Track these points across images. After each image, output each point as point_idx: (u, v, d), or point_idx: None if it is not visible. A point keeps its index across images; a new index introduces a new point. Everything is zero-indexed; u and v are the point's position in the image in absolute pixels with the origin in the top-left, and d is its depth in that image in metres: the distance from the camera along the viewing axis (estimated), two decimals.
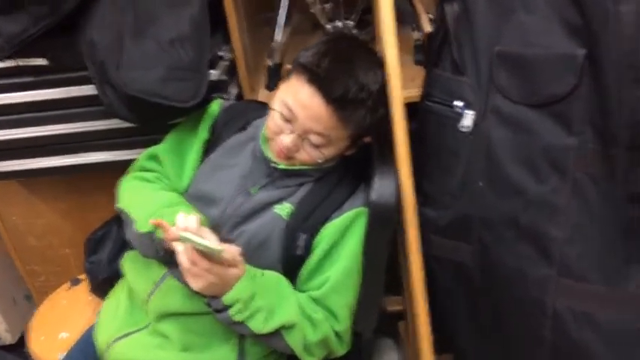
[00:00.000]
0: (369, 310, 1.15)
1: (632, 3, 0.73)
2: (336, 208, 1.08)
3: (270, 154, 1.08)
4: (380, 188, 1.05)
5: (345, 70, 1.01)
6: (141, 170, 1.19)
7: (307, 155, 1.05)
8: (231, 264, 0.93)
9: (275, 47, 1.40)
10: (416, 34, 1.29)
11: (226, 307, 0.96)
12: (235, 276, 0.94)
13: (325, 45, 1.05)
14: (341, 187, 1.11)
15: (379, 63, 1.03)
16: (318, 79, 0.99)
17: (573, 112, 0.83)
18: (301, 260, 1.07)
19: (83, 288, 1.50)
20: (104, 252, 1.33)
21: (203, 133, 1.18)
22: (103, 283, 1.28)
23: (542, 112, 0.87)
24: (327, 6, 1.41)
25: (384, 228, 1.06)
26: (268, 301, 0.98)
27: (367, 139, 1.10)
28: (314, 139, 1.03)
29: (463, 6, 0.94)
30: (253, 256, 1.03)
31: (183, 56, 1.12)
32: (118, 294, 1.18)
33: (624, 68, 0.75)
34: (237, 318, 0.96)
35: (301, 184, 1.10)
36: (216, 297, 0.95)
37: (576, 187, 0.85)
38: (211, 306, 0.98)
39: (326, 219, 1.07)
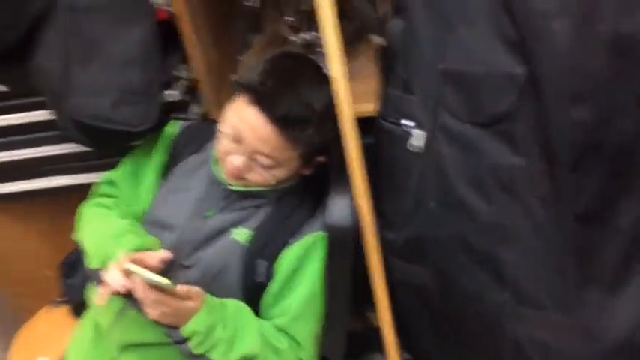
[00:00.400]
0: (335, 334, 1.13)
1: (565, 19, 0.69)
2: (295, 232, 1.06)
3: (224, 176, 1.06)
4: (335, 210, 1.02)
5: (287, 89, 0.98)
6: (100, 196, 1.18)
7: (259, 176, 1.03)
8: (184, 297, 0.91)
9: (241, 61, 1.37)
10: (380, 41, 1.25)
11: (185, 339, 0.94)
12: (192, 308, 0.93)
13: (269, 63, 1.02)
14: (300, 209, 1.09)
15: (327, 79, 1.00)
16: (260, 99, 0.97)
17: (517, 131, 0.79)
18: (262, 287, 1.06)
19: (63, 310, 1.49)
20: (78, 275, 1.32)
21: (159, 155, 1.17)
22: (82, 305, 1.27)
23: (488, 131, 0.83)
24: (292, 18, 1.38)
25: (342, 251, 1.03)
26: (229, 332, 0.97)
27: (322, 159, 1.07)
28: (263, 160, 1.00)
29: (408, 20, 0.90)
30: (212, 283, 1.02)
31: (133, 79, 1.10)
32: (85, 323, 1.17)
33: (560, 86, 0.71)
34: (198, 350, 0.95)
35: (258, 207, 1.08)
36: (175, 327, 0.94)
37: (525, 208, 0.81)
38: (171, 337, 0.96)
39: (285, 244, 1.05)
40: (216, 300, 0.99)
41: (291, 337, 1.04)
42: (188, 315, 0.93)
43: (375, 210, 1.00)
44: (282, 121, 0.96)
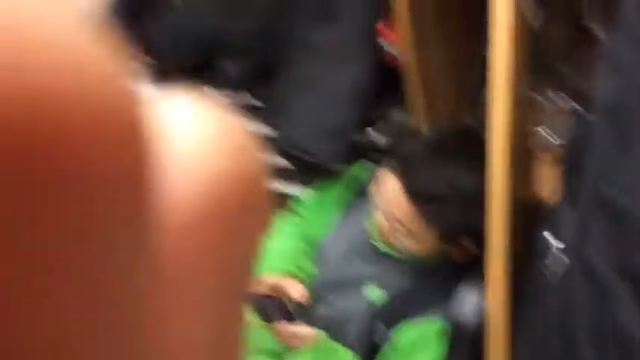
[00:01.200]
0: None
1: None
2: (421, 310, 1.01)
3: (375, 231, 1.07)
4: (459, 304, 0.93)
5: (432, 165, 0.95)
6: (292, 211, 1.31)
7: (398, 241, 1.02)
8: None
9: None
10: None
11: None
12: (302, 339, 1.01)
13: (430, 135, 1.01)
14: (437, 290, 1.03)
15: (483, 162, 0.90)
16: (403, 170, 0.97)
17: None
18: (377, 347, 1.05)
19: None
20: None
21: (344, 192, 1.23)
22: None
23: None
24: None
25: (457, 349, 0.94)
26: None
27: (473, 247, 0.98)
28: (398, 226, 0.99)
29: (583, 127, 0.75)
30: (337, 332, 1.06)
31: (339, 117, 1.19)
32: None
33: None
34: None
35: (400, 272, 1.06)
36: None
37: None
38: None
39: (406, 316, 1.02)
40: (329, 346, 1.03)
41: None
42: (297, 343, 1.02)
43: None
44: (416, 194, 0.93)
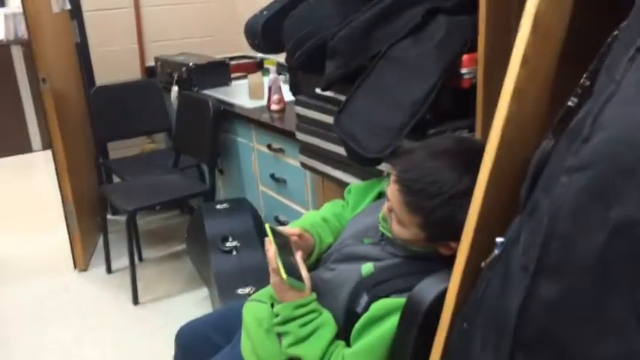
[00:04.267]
0: None
1: None
2: (403, 291, 1.12)
3: (383, 220, 1.22)
4: (423, 286, 1.04)
5: (425, 162, 1.06)
6: (343, 197, 1.50)
7: (392, 227, 1.15)
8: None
9: None
10: None
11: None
12: (292, 296, 1.18)
13: (431, 140, 1.14)
14: (422, 273, 1.13)
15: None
16: (399, 160, 1.11)
17: None
18: (358, 317, 1.18)
19: None
20: None
21: (381, 185, 1.39)
22: None
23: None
24: None
25: (408, 324, 1.04)
26: (302, 332, 1.16)
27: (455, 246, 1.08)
28: (393, 214, 1.13)
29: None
30: (328, 293, 1.22)
31: (394, 120, 1.35)
32: None
33: None
34: (274, 328, 1.21)
35: (395, 256, 1.18)
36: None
37: None
38: (272, 305, 1.23)
39: (388, 294, 1.14)
40: (314, 306, 1.19)
41: None
42: (286, 299, 1.18)
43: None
44: (404, 184, 1.07)
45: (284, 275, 1.14)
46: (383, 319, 1.11)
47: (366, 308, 1.15)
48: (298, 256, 1.22)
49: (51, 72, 2.74)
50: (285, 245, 1.23)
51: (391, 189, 1.12)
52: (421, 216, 1.08)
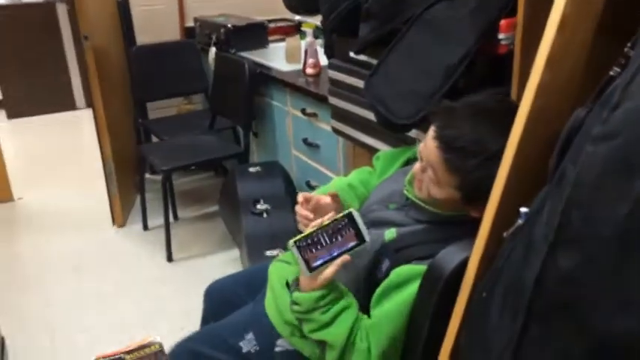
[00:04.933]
0: None
1: None
2: (425, 257, 1.12)
3: (409, 185, 1.21)
4: (445, 254, 1.04)
5: (468, 119, 1.05)
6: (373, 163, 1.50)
7: (424, 187, 1.14)
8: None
9: None
10: None
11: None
12: (309, 285, 1.14)
13: (475, 98, 1.11)
14: (446, 239, 1.11)
15: None
16: (440, 118, 1.09)
17: None
18: (378, 283, 1.18)
19: None
20: None
21: (408, 153, 1.38)
22: None
23: None
24: None
25: (429, 292, 1.04)
26: (325, 319, 1.14)
27: None
28: (430, 172, 1.11)
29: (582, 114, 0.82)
30: (356, 259, 1.21)
31: (424, 86, 1.32)
32: None
33: None
34: (294, 314, 1.19)
35: (420, 221, 1.18)
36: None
37: None
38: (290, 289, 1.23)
39: (410, 260, 1.13)
40: (335, 294, 1.15)
41: (369, 343, 1.14)
42: (306, 286, 1.15)
43: None
44: (444, 141, 1.05)
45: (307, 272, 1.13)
46: (403, 286, 1.11)
47: (386, 274, 1.15)
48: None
49: (93, 30, 2.78)
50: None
51: (428, 146, 1.10)
52: (460, 175, 1.06)
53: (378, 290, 1.15)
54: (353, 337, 1.14)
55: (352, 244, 1.13)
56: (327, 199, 1.28)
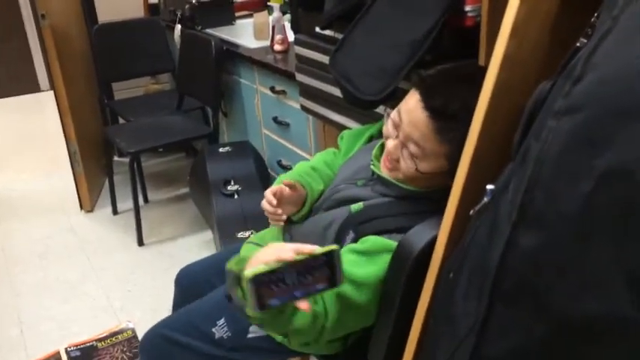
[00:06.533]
0: (377, 340, 1.15)
1: None
2: (393, 232, 1.09)
3: (376, 159, 1.18)
4: (415, 232, 1.02)
5: (451, 85, 1.04)
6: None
7: (404, 164, 1.11)
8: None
9: None
10: None
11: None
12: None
13: (451, 65, 1.10)
14: (414, 217, 1.09)
15: None
16: (424, 87, 1.06)
17: None
18: None
19: None
20: None
21: (372, 130, 1.36)
22: None
23: None
24: None
25: (398, 269, 1.03)
26: (281, 331, 1.07)
27: None
28: (411, 147, 1.08)
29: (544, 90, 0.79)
30: (322, 232, 1.19)
31: (390, 60, 1.29)
32: None
33: None
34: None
35: (385, 196, 1.16)
36: None
37: None
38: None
39: (377, 232, 1.11)
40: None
41: (324, 303, 1.07)
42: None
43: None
44: (435, 111, 1.03)
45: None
46: (376, 256, 1.08)
47: (351, 243, 1.13)
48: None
49: (51, 8, 2.67)
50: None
51: (413, 119, 1.06)
52: (451, 144, 1.03)
53: (352, 256, 1.09)
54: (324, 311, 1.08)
55: (321, 287, 0.94)
56: (287, 190, 1.25)
